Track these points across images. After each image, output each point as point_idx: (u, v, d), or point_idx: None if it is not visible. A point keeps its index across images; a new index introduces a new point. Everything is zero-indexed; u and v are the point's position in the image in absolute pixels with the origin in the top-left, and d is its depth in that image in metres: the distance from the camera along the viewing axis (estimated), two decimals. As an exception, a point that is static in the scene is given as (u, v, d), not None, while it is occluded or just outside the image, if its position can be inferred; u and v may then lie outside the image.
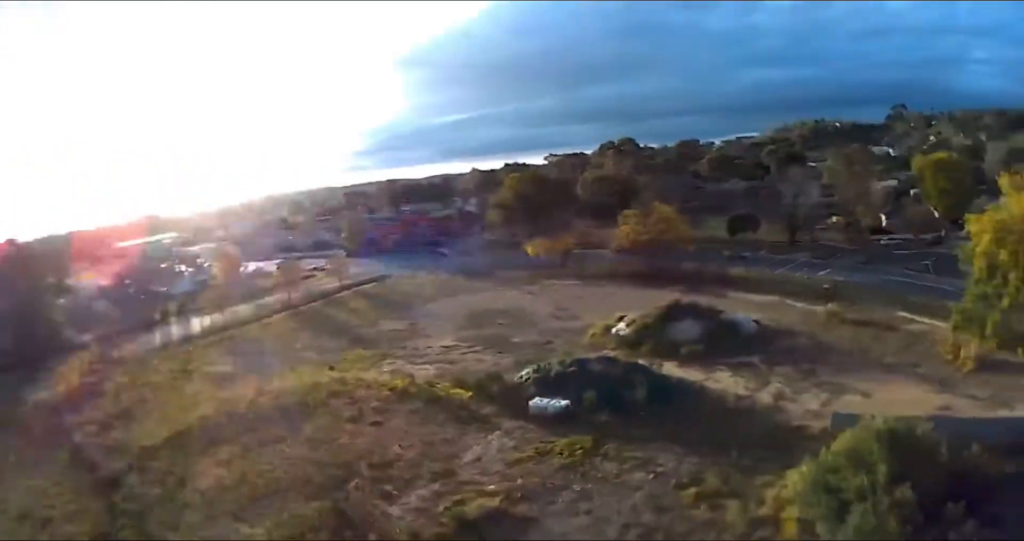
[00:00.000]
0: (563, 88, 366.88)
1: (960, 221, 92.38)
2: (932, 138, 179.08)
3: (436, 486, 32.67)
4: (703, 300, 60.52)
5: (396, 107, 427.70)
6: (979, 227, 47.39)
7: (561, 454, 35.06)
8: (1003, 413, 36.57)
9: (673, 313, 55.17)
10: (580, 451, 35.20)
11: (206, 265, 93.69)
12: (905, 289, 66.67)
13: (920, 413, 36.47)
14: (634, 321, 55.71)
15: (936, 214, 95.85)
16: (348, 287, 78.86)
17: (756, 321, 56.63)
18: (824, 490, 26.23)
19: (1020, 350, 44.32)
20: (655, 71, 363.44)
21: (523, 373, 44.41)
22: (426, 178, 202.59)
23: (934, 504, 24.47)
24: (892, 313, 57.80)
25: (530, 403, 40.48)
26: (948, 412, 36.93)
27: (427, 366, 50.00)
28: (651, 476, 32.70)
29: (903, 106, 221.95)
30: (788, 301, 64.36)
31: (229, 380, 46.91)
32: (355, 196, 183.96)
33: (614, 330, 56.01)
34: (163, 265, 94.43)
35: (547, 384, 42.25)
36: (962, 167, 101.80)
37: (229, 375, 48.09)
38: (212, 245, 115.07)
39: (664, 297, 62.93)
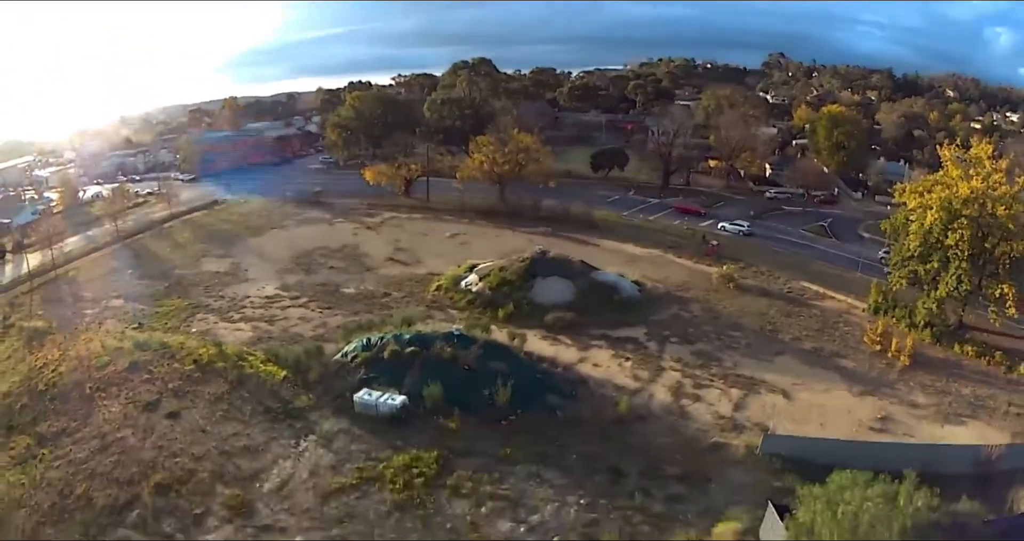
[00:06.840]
0: (424, 10, 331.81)
1: (858, 179, 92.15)
2: (814, 90, 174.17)
3: (229, 530, 22.88)
4: (570, 248, 51.09)
5: (263, 21, 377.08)
6: (919, 202, 41.16)
7: (394, 483, 25.09)
8: (952, 429, 30.53)
9: (537, 268, 44.71)
10: (420, 478, 25.35)
11: (46, 192, 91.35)
12: (803, 252, 58.39)
13: (857, 427, 29.65)
14: (489, 273, 45.26)
15: (826, 170, 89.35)
16: (177, 215, 72.04)
17: (637, 282, 46.35)
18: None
19: (957, 346, 38.70)
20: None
21: (349, 348, 33.83)
22: (271, 96, 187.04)
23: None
24: (796, 283, 49.38)
25: (355, 398, 29.83)
26: (888, 425, 30.62)
27: (243, 325, 41.32)
28: (521, 528, 23.12)
29: (781, 55, 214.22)
30: (669, 256, 54.71)
31: (39, 339, 38.25)
32: (199, 114, 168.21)
33: (464, 282, 45.84)
34: (12, 192, 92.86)
35: (379, 366, 31.76)
36: (859, 124, 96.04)
37: (41, 332, 39.40)
38: (57, 169, 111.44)
39: (523, 241, 54.52)
